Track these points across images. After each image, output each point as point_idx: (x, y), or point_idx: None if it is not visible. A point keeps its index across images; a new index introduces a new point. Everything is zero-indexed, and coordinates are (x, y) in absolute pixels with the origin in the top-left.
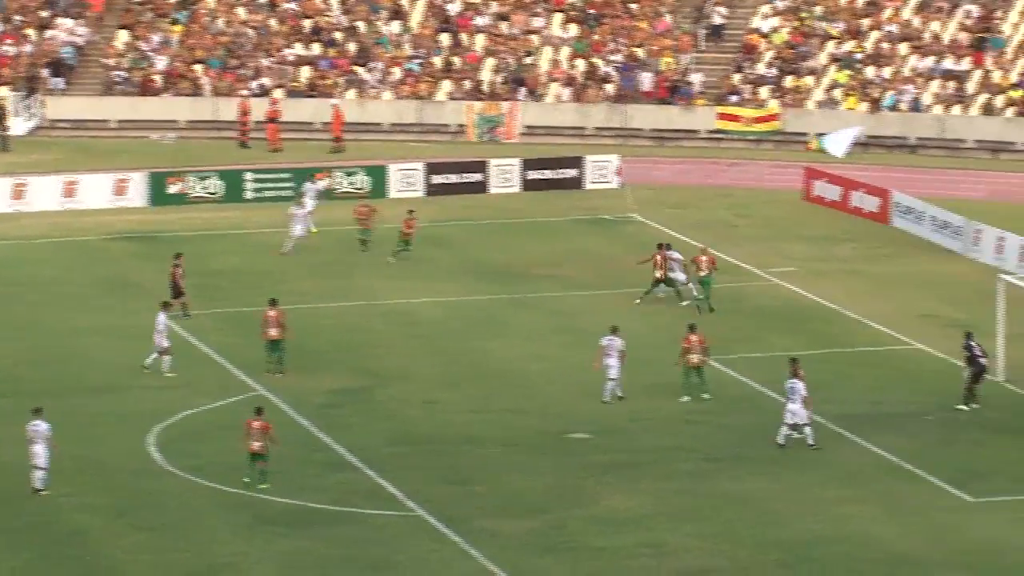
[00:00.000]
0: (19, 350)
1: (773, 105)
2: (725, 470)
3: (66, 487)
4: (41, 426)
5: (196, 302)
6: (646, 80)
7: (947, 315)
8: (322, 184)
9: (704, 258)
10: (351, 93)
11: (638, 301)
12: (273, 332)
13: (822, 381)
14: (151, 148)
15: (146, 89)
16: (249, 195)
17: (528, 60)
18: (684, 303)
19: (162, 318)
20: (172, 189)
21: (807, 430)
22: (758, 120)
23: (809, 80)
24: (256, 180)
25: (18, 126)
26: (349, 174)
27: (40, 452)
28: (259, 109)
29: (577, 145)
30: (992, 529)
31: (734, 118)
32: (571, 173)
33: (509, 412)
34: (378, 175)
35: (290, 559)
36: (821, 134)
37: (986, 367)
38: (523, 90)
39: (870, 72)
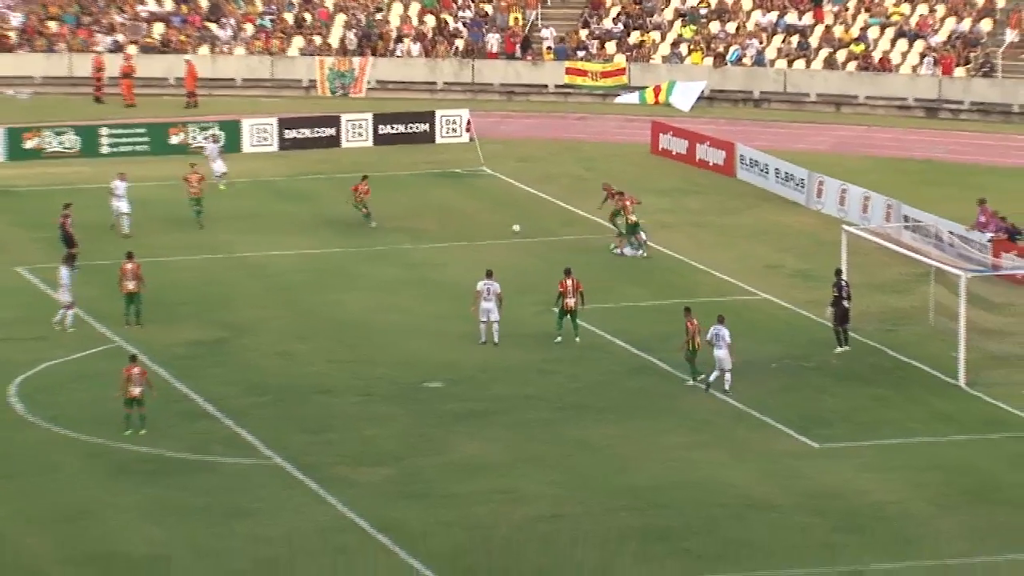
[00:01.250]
0: None
1: (620, 60)
2: (576, 418)
3: None
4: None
5: (53, 256)
6: (493, 41)
7: (792, 265)
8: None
9: (628, 203)
10: (204, 49)
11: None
12: (130, 285)
13: (669, 331)
14: (7, 104)
15: (1, 45)
16: (105, 150)
17: (378, 16)
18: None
19: (65, 272)
20: (28, 144)
21: (728, 376)
22: (605, 75)
23: (655, 35)
24: (111, 135)
25: None
26: (204, 128)
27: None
28: (113, 65)
29: (428, 100)
30: (837, 474)
31: (582, 73)
32: (422, 127)
33: (363, 363)
34: (232, 130)
35: (149, 506)
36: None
37: (848, 309)
38: (374, 46)
39: (714, 27)
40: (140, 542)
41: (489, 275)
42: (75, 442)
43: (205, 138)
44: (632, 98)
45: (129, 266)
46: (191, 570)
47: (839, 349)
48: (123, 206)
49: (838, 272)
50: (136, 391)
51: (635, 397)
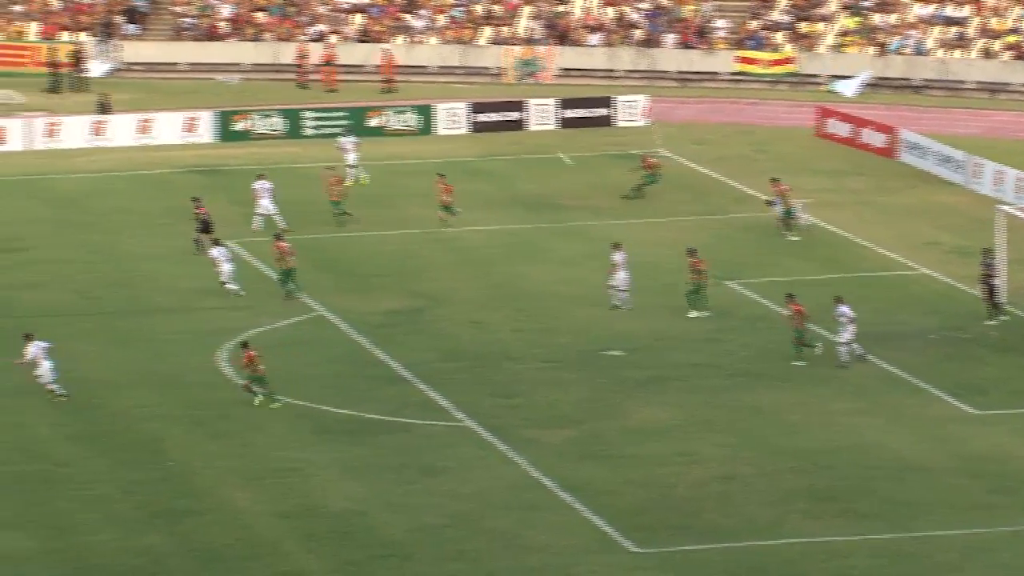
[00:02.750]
0: (98, 274)
1: (788, 49)
2: (745, 385)
3: (143, 399)
4: (39, 345)
5: (263, 231)
6: (668, 34)
7: (949, 242)
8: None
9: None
10: (400, 38)
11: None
12: (291, 260)
13: (832, 304)
14: (218, 89)
15: (212, 34)
16: (308, 132)
17: (562, 8)
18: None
19: (215, 252)
20: (238, 126)
21: (855, 346)
22: (774, 63)
23: (821, 26)
24: (314, 118)
25: (97, 69)
26: (399, 112)
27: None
28: (316, 53)
29: (608, 86)
30: (993, 439)
31: (752, 61)
32: (602, 112)
33: (547, 331)
34: (426, 113)
35: (349, 465)
36: (834, 76)
37: (995, 286)
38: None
39: (877, 19)
40: (340, 497)
41: (617, 247)
42: (279, 412)
43: (343, 133)
44: (847, 86)
45: (285, 245)
46: (388, 524)
47: (990, 322)
48: (269, 206)
49: (985, 252)
50: (261, 368)
51: (802, 366)
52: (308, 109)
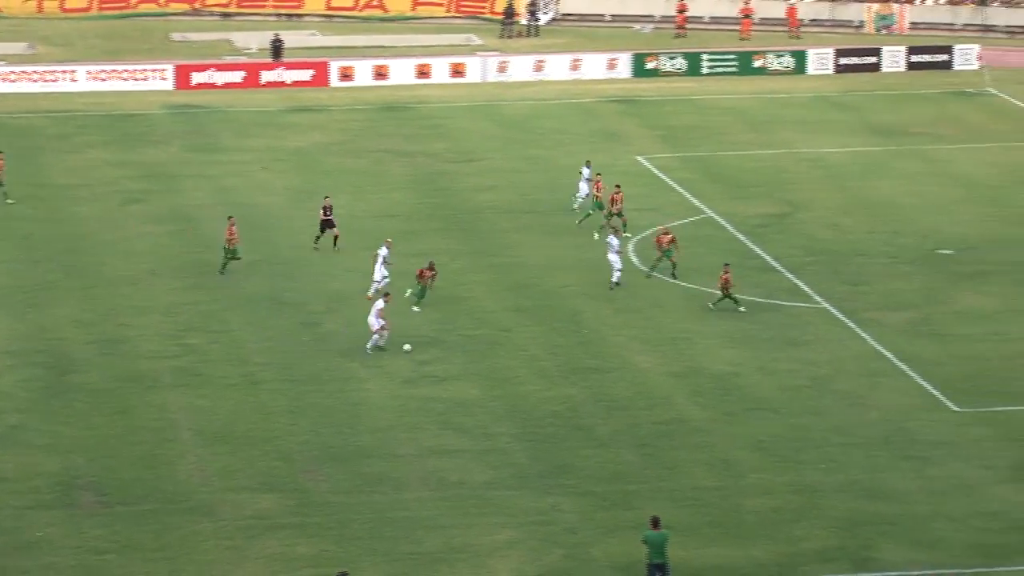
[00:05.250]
0: (535, 180)
1: None
2: None
3: (568, 280)
4: (379, 304)
5: (665, 148)
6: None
7: None
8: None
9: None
10: None
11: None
12: (666, 238)
13: None
14: (634, 36)
15: None
16: (704, 70)
17: None
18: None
19: (613, 240)
20: (649, 65)
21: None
22: None
23: None
24: (710, 60)
25: (543, 19)
26: (779, 56)
27: (373, 323)
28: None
29: (949, 37)
30: None
31: None
32: (943, 58)
33: (893, 233)
34: (800, 57)
35: (729, 335)
36: None
37: None
38: None
39: None
40: (721, 362)
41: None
42: (674, 287)
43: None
44: None
45: (666, 238)
46: (758, 384)
47: None
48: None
49: None
50: (428, 280)
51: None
52: (705, 52)
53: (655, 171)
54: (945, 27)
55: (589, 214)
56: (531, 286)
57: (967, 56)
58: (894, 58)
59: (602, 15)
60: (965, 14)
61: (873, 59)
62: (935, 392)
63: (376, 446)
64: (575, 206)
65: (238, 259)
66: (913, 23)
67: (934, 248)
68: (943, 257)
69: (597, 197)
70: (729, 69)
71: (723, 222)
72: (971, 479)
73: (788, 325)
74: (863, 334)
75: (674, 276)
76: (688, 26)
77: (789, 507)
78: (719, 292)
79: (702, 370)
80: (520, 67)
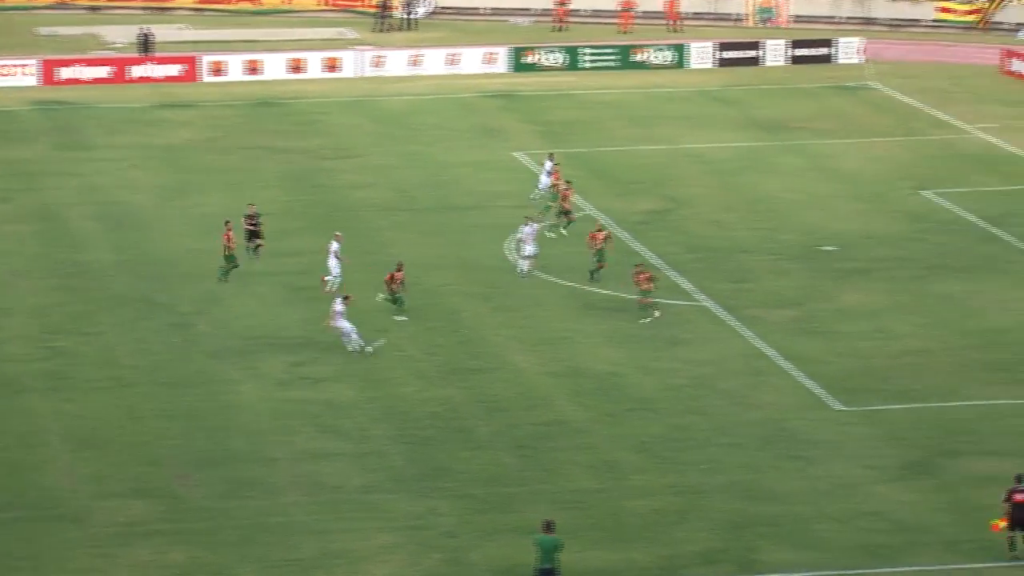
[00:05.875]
0: (411, 177)
1: (981, 1)
2: (937, 276)
3: (446, 279)
4: (339, 306)
5: (543, 144)
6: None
7: None
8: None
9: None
10: None
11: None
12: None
13: (1011, 211)
14: (512, 29)
15: None
16: (585, 64)
17: None
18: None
19: (527, 229)
20: (528, 60)
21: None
22: (968, 13)
23: None
24: (591, 54)
25: (418, 12)
26: (659, 50)
27: (344, 326)
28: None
29: (830, 30)
30: None
31: (949, 10)
32: (825, 51)
33: (773, 230)
34: (681, 51)
35: (610, 335)
36: (1021, 24)
37: None
38: None
39: None
40: (601, 362)
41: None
42: (553, 285)
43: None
44: None
45: (600, 235)
46: (640, 383)
47: None
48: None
49: None
50: (397, 288)
51: (983, 261)
52: (585, 46)
53: (535, 167)
54: (827, 20)
55: (549, 206)
56: (408, 285)
57: (849, 50)
58: (776, 52)
59: (480, 9)
60: (847, 7)
61: (755, 53)
62: (818, 391)
63: (250, 450)
64: (532, 196)
65: (236, 266)
66: (795, 16)
67: (816, 245)
68: (825, 254)
69: (556, 188)
70: (609, 63)
71: (605, 219)
72: (854, 479)
73: (670, 324)
74: (745, 332)
75: (592, 276)
76: (568, 19)
77: (671, 509)
78: (638, 295)
79: (583, 370)
80: (396, 62)
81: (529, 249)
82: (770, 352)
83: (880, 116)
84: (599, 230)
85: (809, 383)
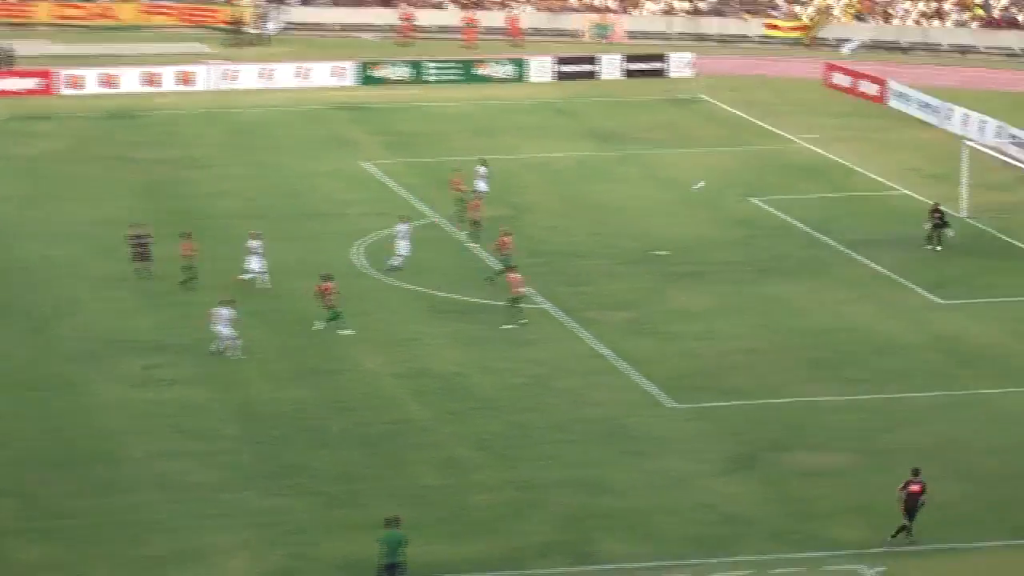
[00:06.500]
0: (265, 186)
1: (804, 18)
2: (765, 278)
3: (299, 283)
4: (224, 312)
5: (390, 154)
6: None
7: (927, 169)
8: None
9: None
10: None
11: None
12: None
13: (834, 216)
14: (360, 44)
15: (359, 2)
16: (431, 78)
17: None
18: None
19: (402, 227)
20: (375, 73)
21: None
22: (794, 29)
23: None
24: (435, 67)
25: (270, 27)
26: (501, 64)
27: (223, 331)
28: (440, 19)
29: (663, 45)
30: (956, 323)
31: (776, 27)
32: (658, 65)
33: (610, 235)
34: (521, 65)
35: (454, 337)
36: (840, 40)
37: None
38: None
39: None
40: (446, 362)
41: (483, 162)
42: (401, 290)
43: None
44: (851, 45)
45: (507, 239)
46: (481, 383)
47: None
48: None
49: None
50: (330, 301)
51: (808, 264)
52: (430, 60)
53: (382, 177)
54: (660, 36)
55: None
56: (261, 289)
57: (681, 64)
58: (611, 66)
59: (331, 24)
60: (679, 24)
61: (591, 67)
62: (652, 389)
63: (105, 450)
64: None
65: (194, 277)
66: (629, 32)
67: (651, 249)
68: (659, 258)
69: (456, 188)
70: (453, 77)
71: (445, 224)
72: (687, 473)
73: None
74: (583, 333)
75: (492, 280)
76: (413, 35)
77: (512, 503)
78: (509, 300)
79: (428, 371)
80: (249, 75)
81: (403, 247)
82: (607, 352)
83: (711, 127)
84: (507, 234)
85: (644, 382)
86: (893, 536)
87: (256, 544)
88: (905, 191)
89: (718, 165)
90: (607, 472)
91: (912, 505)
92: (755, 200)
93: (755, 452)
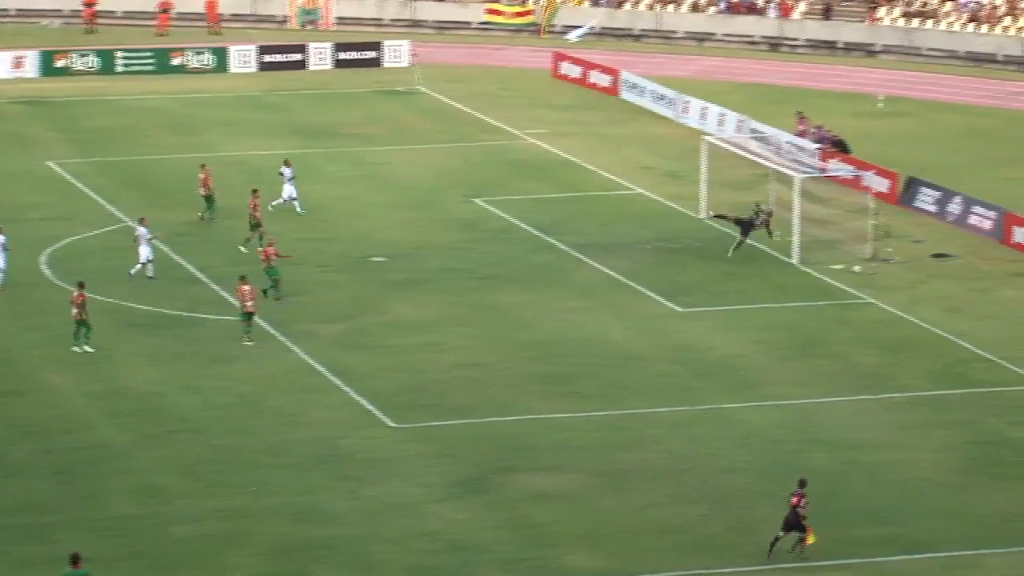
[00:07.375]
0: None
1: (530, 2)
2: (490, 287)
3: None
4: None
5: (77, 152)
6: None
7: (663, 167)
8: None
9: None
10: None
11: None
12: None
13: (564, 218)
14: (41, 32)
15: None
16: (119, 69)
17: None
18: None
19: (142, 230)
20: (59, 64)
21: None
22: (517, 15)
23: None
24: (125, 57)
25: None
26: (198, 53)
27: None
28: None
29: (377, 33)
30: (694, 333)
31: (498, 12)
32: (372, 54)
33: (323, 240)
34: (221, 54)
35: (151, 353)
36: (568, 27)
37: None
38: None
39: None
40: (143, 381)
41: (287, 164)
42: (91, 301)
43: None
44: (575, 33)
45: (271, 249)
46: (183, 403)
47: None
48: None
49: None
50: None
51: (536, 270)
52: (120, 49)
53: (68, 177)
54: (373, 22)
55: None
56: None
57: (397, 53)
58: (320, 55)
59: (7, 9)
60: (393, 9)
61: (299, 56)
62: (370, 407)
63: None
64: (271, 207)
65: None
66: (340, 18)
67: (367, 255)
68: (376, 265)
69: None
70: (146, 67)
71: (143, 231)
72: (408, 498)
73: (215, 340)
74: (294, 348)
75: (265, 293)
76: (99, 21)
77: (219, 534)
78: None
79: (123, 390)
80: None
81: (145, 251)
82: (321, 368)
83: (430, 121)
84: (269, 244)
85: (361, 399)
86: (770, 550)
87: None
88: (640, 190)
89: (438, 163)
90: (322, 498)
91: (792, 517)
92: (478, 201)
93: (483, 474)
